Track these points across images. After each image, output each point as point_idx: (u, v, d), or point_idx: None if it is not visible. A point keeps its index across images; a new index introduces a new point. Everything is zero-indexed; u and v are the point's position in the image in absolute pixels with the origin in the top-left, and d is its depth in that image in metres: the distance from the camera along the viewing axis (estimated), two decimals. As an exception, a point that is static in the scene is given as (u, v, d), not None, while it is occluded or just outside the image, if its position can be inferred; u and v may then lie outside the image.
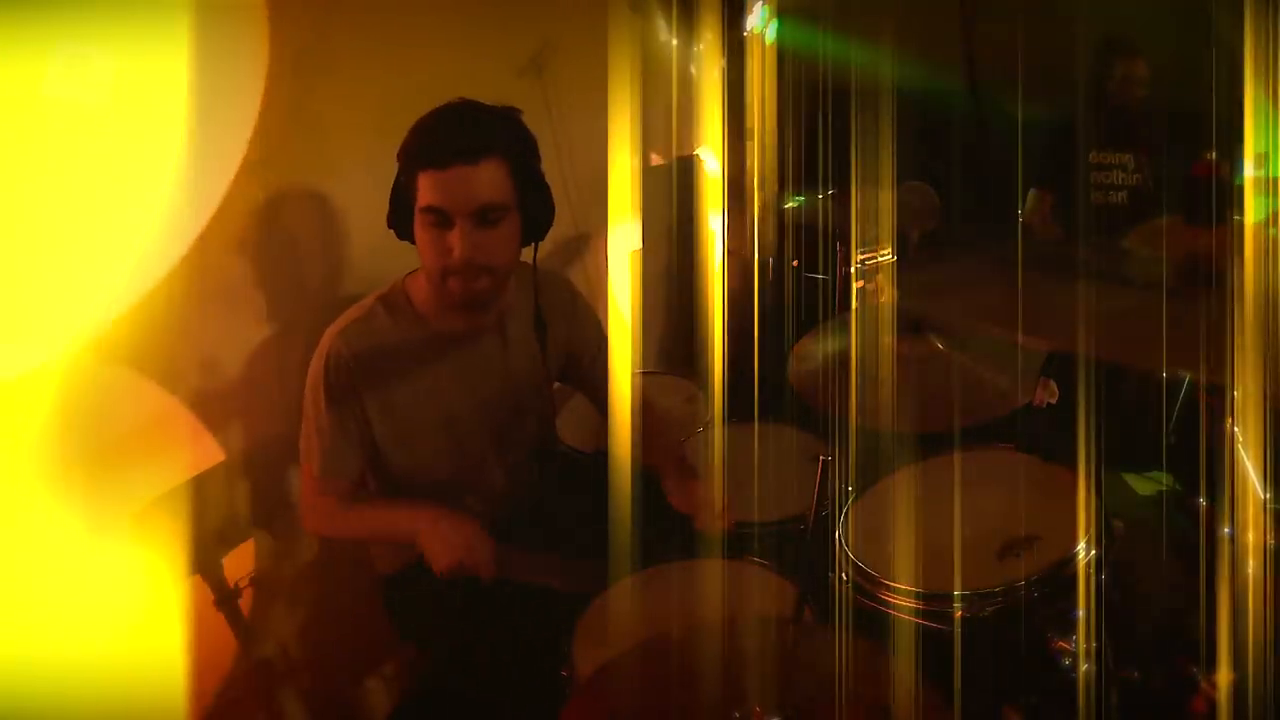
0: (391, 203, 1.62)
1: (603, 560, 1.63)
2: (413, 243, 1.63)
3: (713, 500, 1.73)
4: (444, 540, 1.59)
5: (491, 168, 1.53)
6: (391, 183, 1.62)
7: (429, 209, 1.54)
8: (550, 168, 1.70)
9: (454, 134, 1.54)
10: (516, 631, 1.64)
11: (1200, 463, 1.57)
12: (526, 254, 1.71)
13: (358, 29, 2.07)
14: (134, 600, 1.64)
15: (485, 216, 1.54)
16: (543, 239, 1.69)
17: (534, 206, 1.63)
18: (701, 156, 3.48)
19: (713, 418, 2.34)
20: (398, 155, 1.59)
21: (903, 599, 1.46)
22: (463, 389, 1.75)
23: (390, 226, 1.63)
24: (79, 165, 1.53)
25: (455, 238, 1.53)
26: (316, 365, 1.66)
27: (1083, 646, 1.39)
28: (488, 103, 1.60)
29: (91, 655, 1.51)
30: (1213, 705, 1.34)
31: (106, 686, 1.51)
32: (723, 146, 3.30)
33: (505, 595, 1.65)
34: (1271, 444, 1.34)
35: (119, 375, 1.63)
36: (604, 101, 2.55)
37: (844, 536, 1.63)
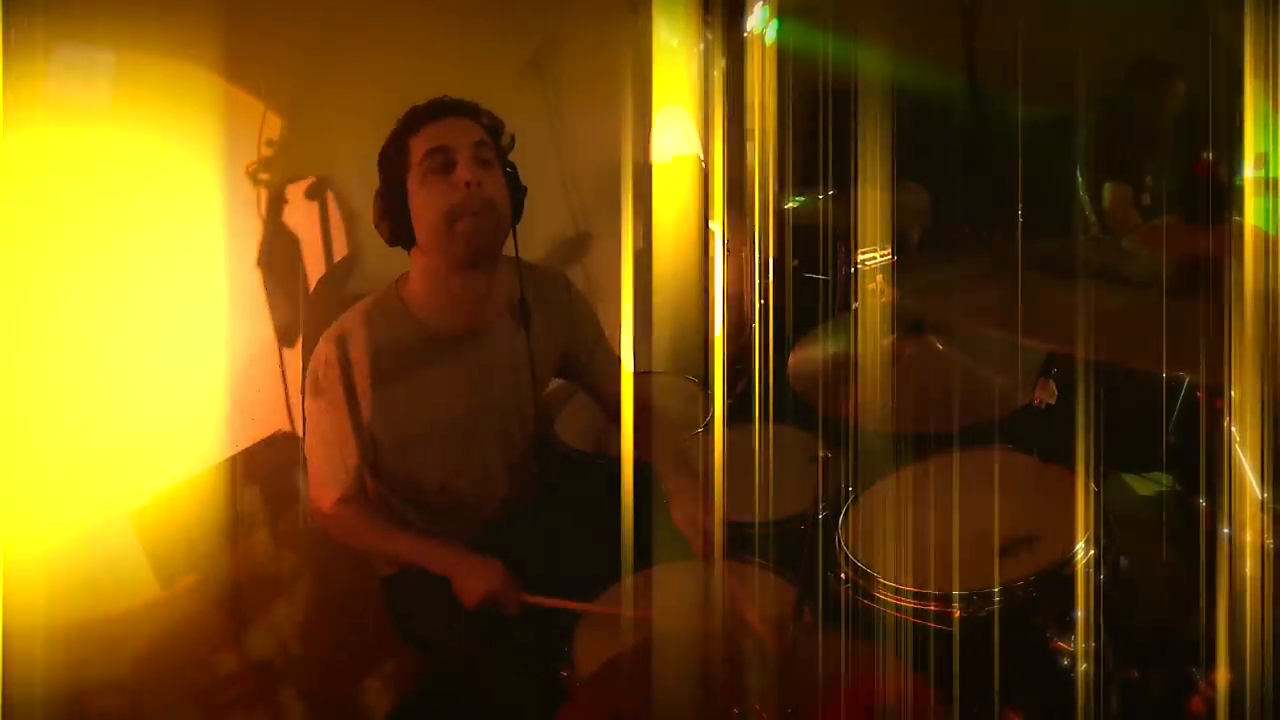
0: (377, 206, 1.64)
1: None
2: (401, 245, 1.65)
3: (708, 520, 1.73)
4: (475, 580, 1.63)
5: (474, 124, 1.66)
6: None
7: (433, 151, 1.60)
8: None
9: (436, 101, 1.66)
10: (516, 631, 1.64)
11: (1200, 463, 1.57)
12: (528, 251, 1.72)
13: (359, 29, 2.07)
14: (130, 598, 1.64)
15: (481, 154, 1.63)
16: (519, 218, 1.73)
17: (511, 174, 1.70)
18: (701, 157, 3.48)
19: (713, 418, 2.34)
20: (379, 158, 1.65)
21: (902, 599, 1.46)
22: (460, 389, 1.75)
23: (376, 226, 1.65)
24: (81, 164, 1.54)
25: (461, 168, 1.61)
26: (314, 372, 1.67)
27: (1082, 646, 1.39)
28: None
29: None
30: (1212, 705, 1.34)
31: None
32: (723, 146, 3.30)
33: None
34: (1269, 444, 1.34)
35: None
36: (604, 101, 2.55)
37: (844, 536, 1.63)
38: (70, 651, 1.49)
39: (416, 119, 1.64)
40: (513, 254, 1.75)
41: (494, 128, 1.70)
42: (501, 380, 1.79)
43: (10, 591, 1.40)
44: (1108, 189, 3.42)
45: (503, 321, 1.79)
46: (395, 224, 1.64)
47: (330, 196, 2.07)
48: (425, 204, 1.62)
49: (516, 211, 1.72)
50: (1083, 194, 3.38)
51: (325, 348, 1.66)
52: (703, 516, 1.72)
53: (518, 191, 1.72)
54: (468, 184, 1.60)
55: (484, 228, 1.63)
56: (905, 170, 3.04)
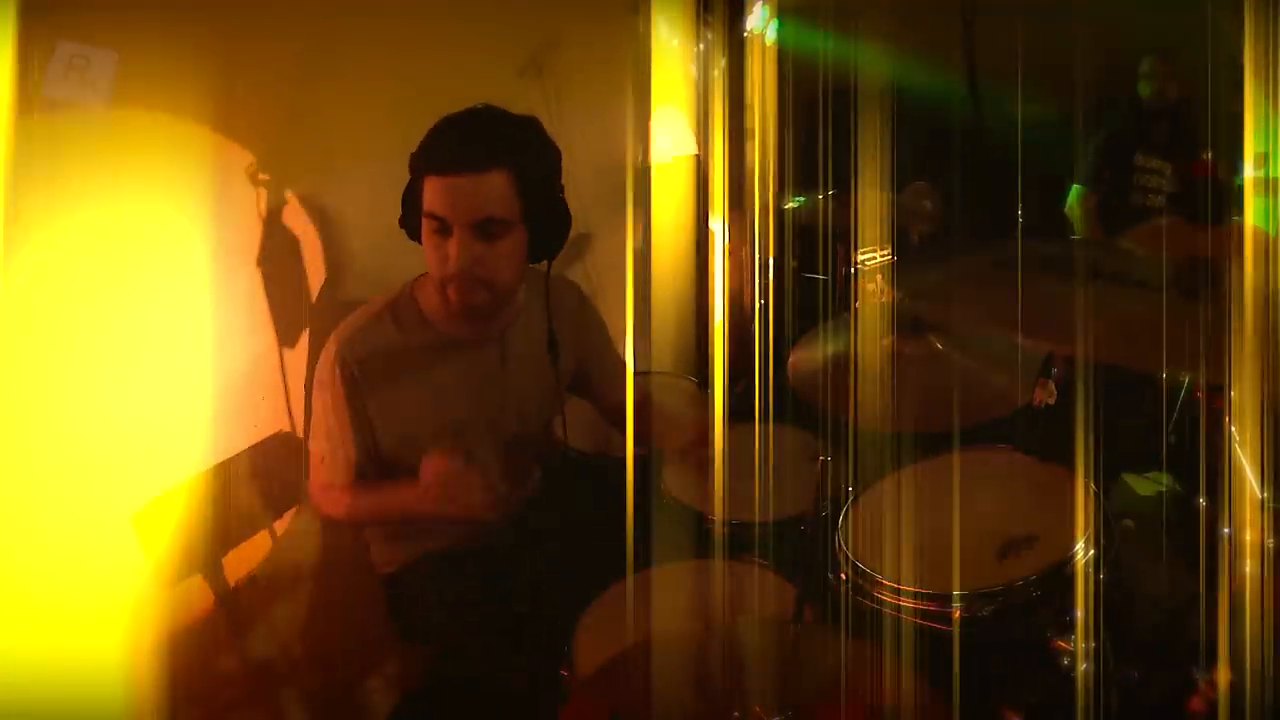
0: (404, 204, 1.62)
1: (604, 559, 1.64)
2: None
3: (718, 490, 1.73)
4: (448, 483, 1.53)
5: (496, 180, 1.50)
6: (398, 183, 1.62)
7: (430, 215, 1.53)
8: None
9: (460, 142, 1.51)
10: (517, 631, 1.64)
11: (1200, 463, 1.57)
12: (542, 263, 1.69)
13: (359, 31, 2.07)
14: (130, 599, 1.64)
15: (485, 229, 1.52)
16: (554, 257, 1.65)
17: (543, 223, 1.59)
18: (701, 157, 3.48)
19: (713, 418, 2.34)
20: (410, 159, 1.58)
21: (902, 599, 1.46)
22: (469, 395, 1.74)
23: (402, 226, 1.63)
24: (81, 166, 1.54)
25: (453, 247, 1.52)
26: (324, 369, 1.66)
27: (1082, 646, 1.39)
28: (510, 111, 1.57)
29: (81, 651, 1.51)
30: (1212, 705, 1.34)
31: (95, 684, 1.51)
32: (723, 146, 3.31)
33: (506, 594, 1.65)
34: (1270, 444, 1.34)
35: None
36: (604, 101, 2.55)
37: (844, 536, 1.63)
38: (72, 651, 1.49)
39: (435, 155, 1.52)
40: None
41: (537, 159, 1.56)
42: (509, 387, 1.79)
43: (11, 592, 1.40)
44: (1074, 192, 3.46)
45: (515, 331, 1.77)
46: (414, 234, 1.62)
47: (331, 198, 2.07)
48: (427, 253, 1.57)
49: (557, 244, 1.62)
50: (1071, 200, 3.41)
51: (334, 346, 1.65)
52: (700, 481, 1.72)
53: (559, 228, 1.61)
54: (457, 266, 1.52)
55: (473, 303, 1.57)
56: (912, 171, 3.05)
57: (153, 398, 1.69)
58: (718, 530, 1.73)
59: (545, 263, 1.67)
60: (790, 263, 3.49)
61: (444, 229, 1.52)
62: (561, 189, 1.62)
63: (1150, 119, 3.32)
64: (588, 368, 1.92)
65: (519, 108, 1.66)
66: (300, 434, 1.87)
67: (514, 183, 1.51)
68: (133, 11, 1.60)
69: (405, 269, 1.72)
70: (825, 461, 1.40)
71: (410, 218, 1.60)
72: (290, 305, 1.98)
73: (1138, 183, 3.34)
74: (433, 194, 1.51)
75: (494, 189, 1.50)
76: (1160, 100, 3.28)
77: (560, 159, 1.60)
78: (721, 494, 1.78)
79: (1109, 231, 3.33)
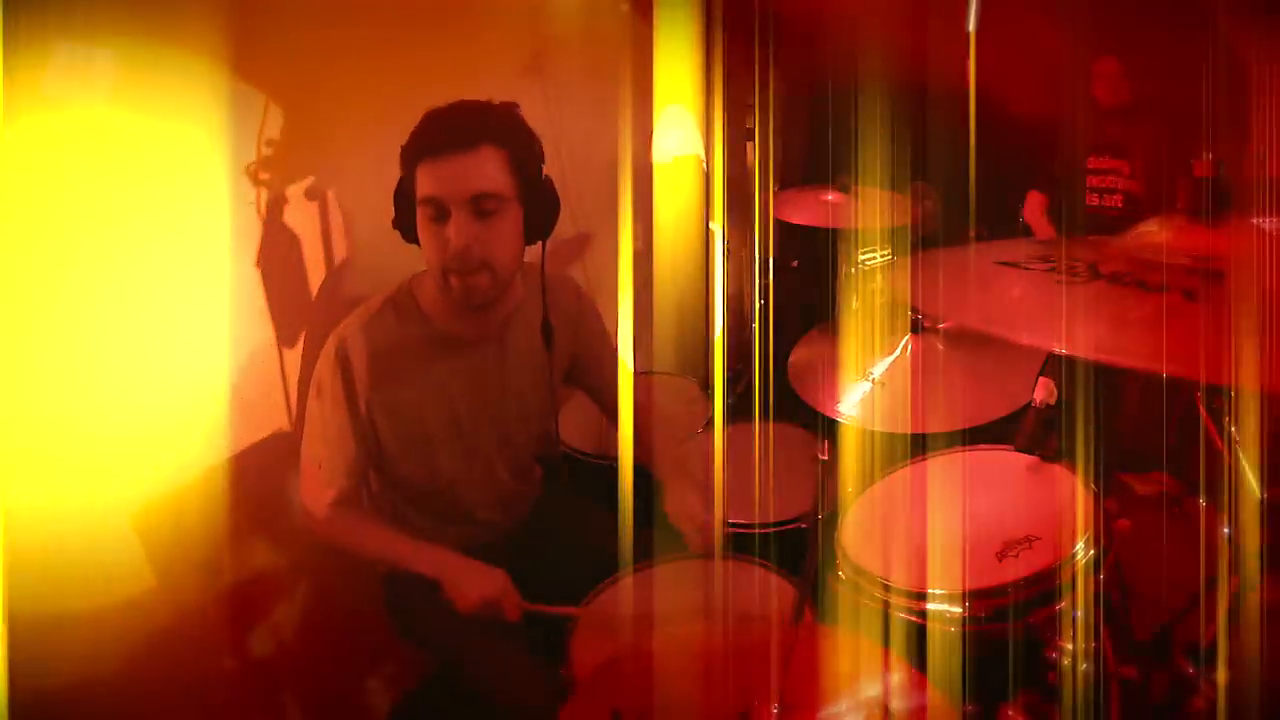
0: (395, 204, 1.62)
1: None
2: (418, 244, 1.63)
3: (705, 516, 1.72)
4: (469, 586, 1.60)
5: (488, 155, 1.54)
6: (395, 183, 1.63)
7: (427, 200, 1.54)
8: (551, 167, 1.69)
9: (450, 124, 1.55)
10: (516, 629, 1.64)
11: (1200, 463, 1.57)
12: (536, 254, 1.70)
13: (359, 29, 2.07)
14: (129, 598, 1.64)
15: (481, 206, 1.53)
16: (547, 238, 1.67)
17: (536, 201, 1.62)
18: (702, 157, 3.48)
19: (713, 418, 2.34)
20: (401, 154, 1.59)
21: (902, 599, 1.46)
22: (468, 392, 1.74)
23: (396, 228, 1.63)
24: (81, 163, 1.54)
25: (451, 228, 1.53)
26: (323, 366, 1.66)
27: (1082, 646, 1.39)
28: (487, 100, 1.60)
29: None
30: (1212, 705, 1.34)
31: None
32: (723, 146, 3.31)
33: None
34: (1269, 444, 1.34)
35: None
36: (605, 101, 2.55)
37: (844, 536, 1.63)
38: (72, 651, 1.49)
39: (426, 141, 1.55)
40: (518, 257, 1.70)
41: (522, 139, 1.60)
42: (509, 384, 1.79)
43: (12, 591, 1.40)
44: (1029, 196, 3.49)
45: (514, 327, 1.77)
46: (407, 234, 1.63)
47: (330, 196, 2.07)
48: (425, 245, 1.59)
49: (548, 227, 1.65)
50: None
51: (334, 345, 1.65)
52: (700, 512, 1.72)
53: (550, 208, 1.64)
54: (457, 246, 1.53)
55: (475, 287, 1.58)
56: (908, 171, 3.06)
57: (152, 396, 1.68)
58: (717, 527, 1.72)
59: (541, 258, 1.69)
60: (790, 263, 3.50)
61: (441, 214, 1.54)
62: (548, 178, 1.64)
63: (1104, 120, 3.31)
64: (586, 362, 1.93)
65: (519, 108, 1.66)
66: (299, 433, 1.86)
67: (505, 158, 1.55)
68: (135, 10, 1.60)
69: (407, 265, 1.72)
70: (825, 461, 1.40)
71: (403, 217, 1.61)
72: (290, 302, 1.97)
73: (1091, 184, 3.33)
74: (427, 178, 1.54)
75: (487, 163, 1.54)
76: (1114, 101, 3.27)
77: (542, 147, 1.64)
78: (721, 494, 1.78)
79: (1064, 234, 3.34)
